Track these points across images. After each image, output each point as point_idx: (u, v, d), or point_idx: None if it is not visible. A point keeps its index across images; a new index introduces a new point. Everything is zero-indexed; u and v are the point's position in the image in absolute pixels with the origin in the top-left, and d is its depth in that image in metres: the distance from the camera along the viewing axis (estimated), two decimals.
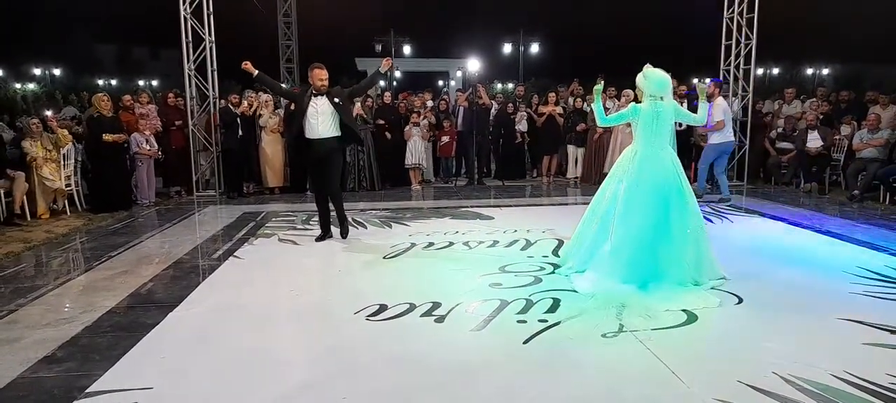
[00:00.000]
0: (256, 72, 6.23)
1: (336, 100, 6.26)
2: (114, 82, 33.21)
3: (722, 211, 8.25)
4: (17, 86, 29.41)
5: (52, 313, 4.42)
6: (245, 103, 10.09)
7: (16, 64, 32.35)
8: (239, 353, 3.63)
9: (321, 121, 6.22)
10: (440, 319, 4.15)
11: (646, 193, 4.68)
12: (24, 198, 7.93)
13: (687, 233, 4.69)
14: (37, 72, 33.78)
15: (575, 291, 4.68)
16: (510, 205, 8.97)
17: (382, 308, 4.36)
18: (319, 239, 6.62)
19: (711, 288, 4.69)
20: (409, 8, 26.01)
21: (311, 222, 7.53)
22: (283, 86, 9.42)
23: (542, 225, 7.19)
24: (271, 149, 10.18)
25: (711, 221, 7.53)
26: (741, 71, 11.06)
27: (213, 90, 10.19)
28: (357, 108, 10.05)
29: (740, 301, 4.48)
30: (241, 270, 5.56)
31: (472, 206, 8.75)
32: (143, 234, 7.18)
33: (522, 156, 12.09)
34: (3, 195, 7.70)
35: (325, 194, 6.61)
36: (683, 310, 4.22)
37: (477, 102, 11.09)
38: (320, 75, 6.22)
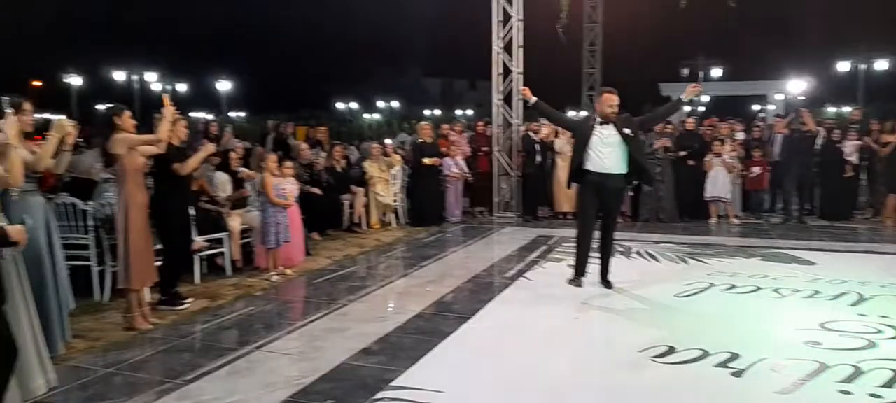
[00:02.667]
0: (534, 98, 5.72)
1: (626, 129, 5.40)
2: (437, 112, 37.88)
3: None
4: (366, 116, 35.95)
5: (373, 310, 5.18)
6: (544, 130, 10.51)
7: (367, 99, 39.57)
8: (520, 372, 3.77)
9: (607, 153, 5.38)
10: (738, 373, 3.72)
11: None
12: (363, 210, 9.50)
13: None
14: (381, 104, 40.76)
15: None
16: (838, 251, 7.58)
17: (671, 350, 4.08)
18: (573, 281, 5.66)
19: None
20: (721, 27, 24.06)
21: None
22: (567, 116, 9.31)
23: (881, 279, 5.91)
24: (564, 174, 10.37)
25: None
26: None
27: (517, 118, 10.85)
28: (663, 141, 9.64)
29: None
30: (530, 291, 5.76)
31: (787, 248, 7.63)
32: (449, 249, 7.97)
33: (854, 193, 10.15)
34: (347, 206, 9.32)
35: (593, 230, 5.63)
36: None
37: (799, 129, 9.71)
38: (610, 100, 5.42)
